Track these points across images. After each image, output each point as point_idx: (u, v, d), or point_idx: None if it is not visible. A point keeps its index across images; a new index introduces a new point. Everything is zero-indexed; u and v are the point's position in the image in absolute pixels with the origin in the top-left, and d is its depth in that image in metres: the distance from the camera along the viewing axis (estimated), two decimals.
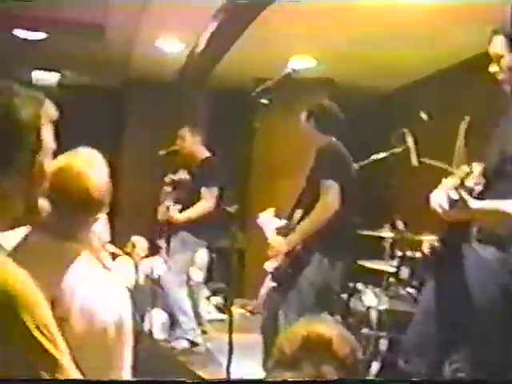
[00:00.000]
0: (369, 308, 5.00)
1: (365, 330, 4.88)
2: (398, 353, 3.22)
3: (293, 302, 3.99)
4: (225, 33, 6.46)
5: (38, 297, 1.14)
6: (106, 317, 1.84)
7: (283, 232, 4.22)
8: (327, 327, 1.39)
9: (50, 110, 1.29)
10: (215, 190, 5.72)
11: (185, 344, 5.67)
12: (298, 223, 4.10)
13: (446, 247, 2.75)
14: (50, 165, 1.29)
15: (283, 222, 4.33)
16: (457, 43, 5.94)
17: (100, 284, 1.92)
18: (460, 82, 6.58)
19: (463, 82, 6.48)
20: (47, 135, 1.27)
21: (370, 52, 6.60)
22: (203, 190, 5.70)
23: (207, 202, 5.69)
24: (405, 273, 5.02)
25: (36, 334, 1.10)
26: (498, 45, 2.62)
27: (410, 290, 5.04)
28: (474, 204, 2.40)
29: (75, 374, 1.16)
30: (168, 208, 5.77)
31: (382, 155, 4.77)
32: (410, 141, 4.27)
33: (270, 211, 4.43)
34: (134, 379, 1.90)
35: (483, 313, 2.55)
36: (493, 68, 2.68)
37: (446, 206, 2.44)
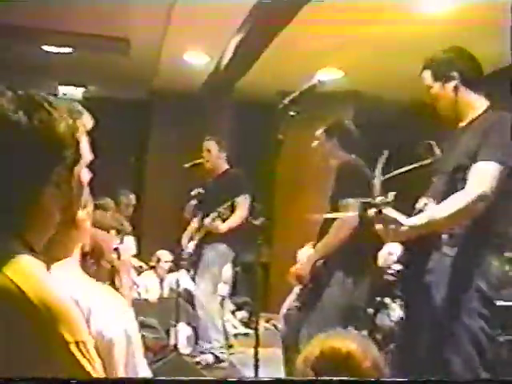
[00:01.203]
0: (397, 323, 4.92)
1: (392, 346, 4.80)
2: None
3: (315, 322, 3.93)
4: (250, 46, 6.47)
5: (76, 313, 1.14)
6: (113, 331, 1.84)
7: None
8: (345, 341, 1.37)
9: (87, 121, 1.28)
10: (248, 198, 5.72)
11: (210, 359, 5.62)
12: None
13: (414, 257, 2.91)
14: (87, 176, 1.29)
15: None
16: (480, 55, 5.88)
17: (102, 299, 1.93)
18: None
19: None
20: (85, 146, 1.27)
21: (395, 64, 6.55)
22: (238, 199, 5.67)
23: (243, 210, 5.68)
24: None
25: (73, 349, 1.10)
26: (427, 77, 2.93)
27: None
28: (407, 222, 2.56)
29: None
30: (213, 219, 5.68)
31: (407, 167, 4.72)
32: (437, 153, 4.23)
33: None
34: (134, 377, 1.89)
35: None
36: (427, 100, 2.98)
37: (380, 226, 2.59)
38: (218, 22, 5.95)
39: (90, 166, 1.30)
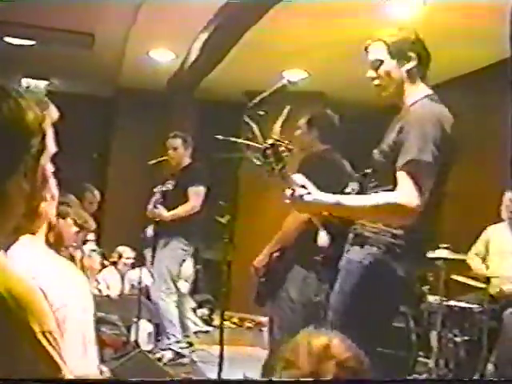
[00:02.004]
0: None
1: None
2: None
3: (278, 321, 3.92)
4: (216, 44, 6.47)
5: (43, 302, 1.14)
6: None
7: None
8: (327, 335, 1.41)
9: (53, 113, 1.28)
10: (201, 189, 5.75)
11: (170, 355, 5.63)
12: None
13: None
14: (51, 168, 1.28)
15: None
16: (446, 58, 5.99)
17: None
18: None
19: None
20: (50, 137, 1.27)
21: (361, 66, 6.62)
22: (189, 190, 5.71)
23: (194, 201, 5.70)
24: None
25: (43, 341, 1.10)
26: (379, 51, 2.73)
27: None
28: (315, 193, 2.49)
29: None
30: (156, 207, 5.72)
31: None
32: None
33: None
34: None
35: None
36: (370, 73, 2.78)
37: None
38: (185, 19, 5.94)
39: (53, 160, 1.30)
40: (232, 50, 6.61)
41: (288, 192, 2.50)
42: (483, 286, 4.90)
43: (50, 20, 6.47)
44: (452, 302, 4.88)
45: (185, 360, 5.66)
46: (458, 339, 4.76)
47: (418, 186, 2.44)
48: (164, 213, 5.71)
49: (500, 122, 5.71)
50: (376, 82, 2.77)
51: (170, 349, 5.64)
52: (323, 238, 2.90)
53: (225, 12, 5.66)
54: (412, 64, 2.70)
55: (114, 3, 5.81)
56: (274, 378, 1.41)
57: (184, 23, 6.08)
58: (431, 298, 4.95)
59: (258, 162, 2.51)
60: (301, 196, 2.47)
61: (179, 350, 5.65)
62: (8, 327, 1.08)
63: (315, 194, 2.50)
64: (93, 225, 4.19)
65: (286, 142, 2.49)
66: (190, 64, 7.21)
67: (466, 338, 4.76)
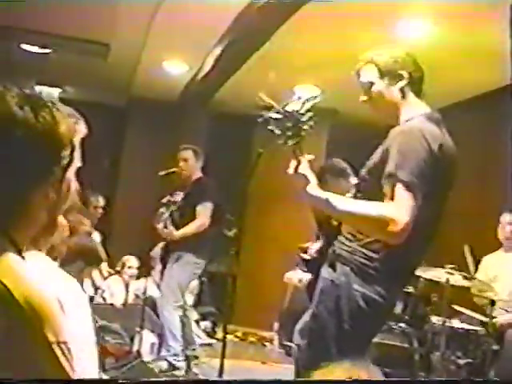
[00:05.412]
0: None
1: None
2: None
3: None
4: (230, 58, 6.50)
5: (59, 313, 1.15)
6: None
7: None
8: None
9: (83, 128, 1.31)
10: (209, 206, 5.76)
11: (164, 366, 5.62)
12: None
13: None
14: (75, 181, 1.30)
15: None
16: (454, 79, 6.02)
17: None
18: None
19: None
20: (78, 152, 1.28)
21: None
22: (198, 207, 5.73)
23: (202, 218, 5.72)
24: (398, 307, 5.00)
25: (57, 351, 1.11)
26: (369, 73, 2.73)
27: (402, 324, 5.01)
28: (314, 184, 2.49)
29: None
30: (166, 226, 5.76)
31: None
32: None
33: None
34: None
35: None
36: (362, 98, 2.77)
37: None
38: (199, 32, 5.98)
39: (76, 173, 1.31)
40: (245, 63, 6.63)
41: (293, 164, 2.48)
42: (485, 319, 4.83)
43: (67, 29, 6.53)
44: (455, 324, 4.86)
45: (178, 372, 5.62)
46: (460, 361, 4.73)
47: (402, 202, 2.38)
48: (174, 232, 5.75)
49: (500, 145, 5.75)
50: (369, 105, 2.75)
51: (166, 359, 5.63)
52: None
53: (239, 26, 5.68)
54: (404, 82, 2.66)
55: (129, 14, 5.85)
56: (274, 378, 1.40)
57: (198, 36, 6.11)
58: (435, 319, 4.93)
59: (278, 131, 2.46)
60: (303, 184, 2.47)
61: (173, 362, 5.63)
62: (24, 336, 1.09)
63: (309, 188, 2.48)
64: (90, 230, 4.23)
65: (310, 114, 2.45)
66: (202, 76, 7.24)
67: (469, 360, 4.73)
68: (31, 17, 6.07)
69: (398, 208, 2.38)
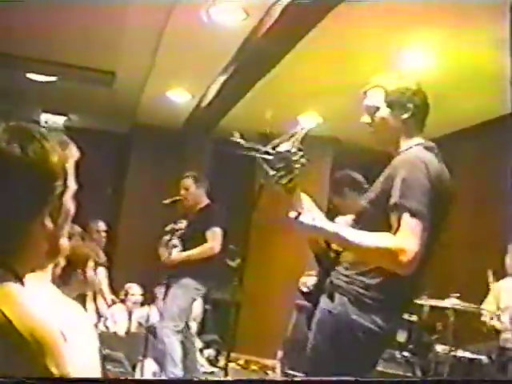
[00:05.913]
0: None
1: None
2: None
3: None
4: (233, 87, 6.55)
5: (62, 345, 1.14)
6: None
7: None
8: None
9: (74, 152, 1.31)
10: (218, 231, 5.75)
11: None
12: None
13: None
14: (73, 206, 1.30)
15: None
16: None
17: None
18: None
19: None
20: (71, 177, 1.29)
21: None
22: (208, 232, 5.73)
23: (211, 243, 5.71)
24: (402, 336, 4.97)
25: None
26: (377, 97, 2.73)
27: (405, 353, 4.98)
28: (315, 222, 2.43)
29: None
30: (170, 253, 5.76)
31: None
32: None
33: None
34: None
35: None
36: (364, 119, 2.77)
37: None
38: (204, 62, 6.03)
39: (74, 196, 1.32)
40: (249, 92, 6.68)
41: (292, 215, 2.43)
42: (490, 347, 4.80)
43: (72, 57, 6.59)
44: (460, 353, 4.82)
45: None
46: None
47: (410, 231, 2.38)
48: (178, 256, 5.76)
49: (502, 174, 5.75)
50: (371, 128, 2.76)
51: None
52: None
53: (242, 56, 5.73)
54: (409, 114, 2.68)
55: (134, 43, 5.90)
56: (274, 378, 1.40)
57: (202, 65, 6.17)
58: (439, 348, 4.90)
59: (272, 172, 2.46)
60: (301, 221, 2.42)
61: None
62: (28, 370, 1.08)
63: (318, 221, 2.45)
64: (103, 257, 4.23)
65: (301, 153, 2.44)
66: (206, 104, 7.28)
67: None
68: (36, 45, 6.13)
69: (407, 237, 2.38)
